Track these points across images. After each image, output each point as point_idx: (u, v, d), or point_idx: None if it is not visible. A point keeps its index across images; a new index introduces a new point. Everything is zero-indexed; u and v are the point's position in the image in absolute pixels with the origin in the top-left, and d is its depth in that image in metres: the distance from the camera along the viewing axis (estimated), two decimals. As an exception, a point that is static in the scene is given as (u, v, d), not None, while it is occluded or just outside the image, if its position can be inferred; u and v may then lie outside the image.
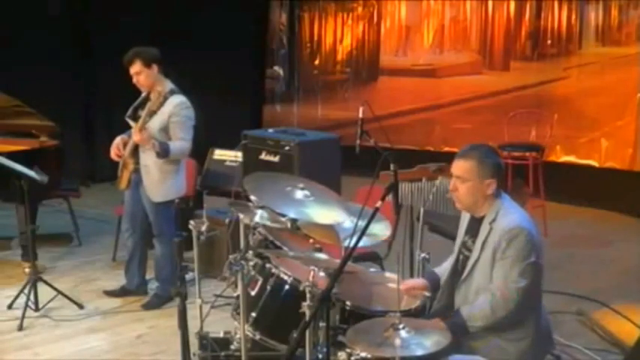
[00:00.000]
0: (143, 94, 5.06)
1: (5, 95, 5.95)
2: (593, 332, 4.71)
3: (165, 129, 4.90)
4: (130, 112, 5.03)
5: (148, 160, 4.93)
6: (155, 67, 4.93)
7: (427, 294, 3.43)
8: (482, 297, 3.19)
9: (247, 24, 9.73)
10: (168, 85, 4.98)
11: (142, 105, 5.02)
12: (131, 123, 5.01)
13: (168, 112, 4.88)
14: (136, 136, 4.87)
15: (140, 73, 4.91)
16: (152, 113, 4.91)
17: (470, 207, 3.32)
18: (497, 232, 3.19)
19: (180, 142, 4.92)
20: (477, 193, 3.24)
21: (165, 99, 4.91)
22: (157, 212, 5.06)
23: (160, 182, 4.98)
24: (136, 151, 4.98)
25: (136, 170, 5.01)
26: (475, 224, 3.33)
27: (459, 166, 3.27)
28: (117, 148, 5.04)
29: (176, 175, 5.04)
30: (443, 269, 3.58)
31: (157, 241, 5.18)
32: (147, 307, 5.17)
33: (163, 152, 4.83)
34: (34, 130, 5.97)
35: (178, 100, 4.93)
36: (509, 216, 3.22)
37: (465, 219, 3.47)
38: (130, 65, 4.91)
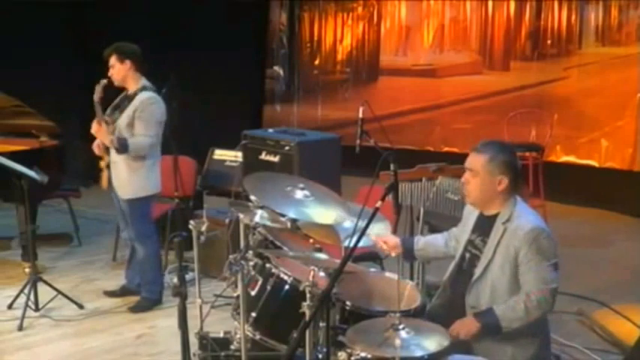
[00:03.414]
0: (121, 95, 5.09)
1: (5, 95, 5.94)
2: (593, 332, 4.71)
3: (131, 125, 4.90)
4: (109, 111, 5.05)
5: (116, 157, 4.93)
6: (128, 63, 4.96)
7: (393, 254, 3.49)
8: (515, 298, 3.16)
9: (247, 24, 9.73)
10: (142, 82, 5.00)
11: (119, 104, 5.06)
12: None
13: (134, 107, 4.90)
14: (93, 129, 4.89)
15: (113, 67, 4.98)
16: (123, 109, 4.95)
17: (479, 202, 3.30)
18: (513, 235, 3.17)
19: (141, 137, 4.88)
20: (488, 188, 3.23)
21: (135, 95, 4.95)
22: (130, 211, 5.03)
23: (127, 179, 4.95)
24: (108, 148, 5.00)
25: (109, 168, 5.03)
26: (485, 223, 3.31)
27: (472, 159, 3.26)
28: (98, 146, 5.07)
29: (147, 173, 4.98)
30: (424, 241, 3.61)
31: (137, 242, 5.14)
32: (134, 309, 5.13)
33: (121, 148, 4.84)
34: (34, 130, 5.97)
35: (146, 95, 4.93)
36: (524, 217, 3.21)
37: (470, 216, 3.44)
38: (108, 58, 4.99)
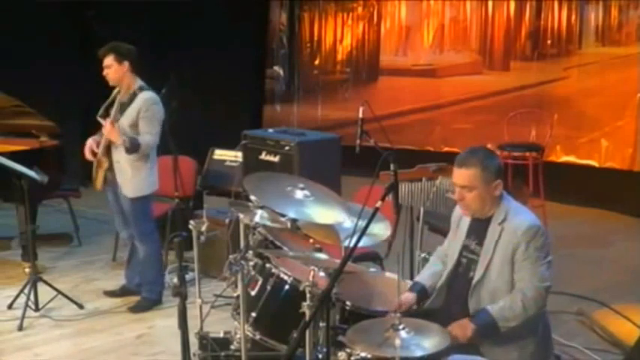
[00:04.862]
0: (113, 93, 5.07)
1: (5, 95, 5.94)
2: (593, 332, 4.71)
3: (135, 125, 4.91)
4: (101, 111, 5.04)
5: (120, 156, 4.94)
6: (126, 64, 4.95)
7: (415, 307, 3.40)
8: (510, 296, 3.16)
9: (247, 24, 9.73)
10: (138, 82, 5.01)
11: (113, 104, 5.04)
12: (102, 122, 5.04)
13: (138, 107, 4.91)
14: (105, 130, 4.89)
15: (110, 67, 4.96)
16: (123, 109, 4.94)
17: (479, 212, 3.29)
18: (512, 232, 3.18)
19: (147, 136, 4.91)
20: (485, 197, 3.23)
21: (135, 95, 4.95)
22: (133, 208, 5.04)
23: (132, 178, 4.98)
24: (109, 149, 4.99)
25: (111, 168, 5.03)
26: (479, 226, 3.31)
27: (462, 176, 3.24)
28: (90, 148, 5.04)
29: (148, 171, 5.02)
30: (426, 276, 3.52)
31: (138, 242, 5.15)
32: (134, 309, 5.13)
33: (133, 147, 4.85)
34: (34, 130, 5.97)
35: (148, 95, 4.94)
36: (521, 215, 3.23)
37: (462, 222, 3.43)
38: (104, 58, 4.97)
